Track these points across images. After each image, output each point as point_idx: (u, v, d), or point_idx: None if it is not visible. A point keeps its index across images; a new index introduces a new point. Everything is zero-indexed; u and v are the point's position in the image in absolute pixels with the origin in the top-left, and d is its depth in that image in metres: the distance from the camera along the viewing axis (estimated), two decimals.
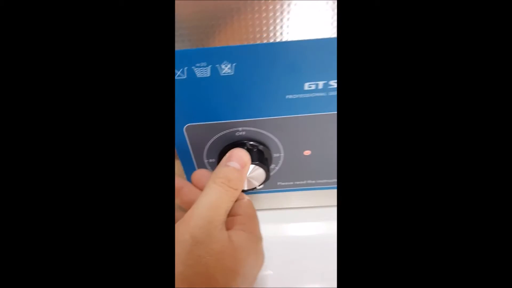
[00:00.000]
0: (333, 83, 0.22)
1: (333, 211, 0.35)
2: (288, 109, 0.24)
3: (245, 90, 0.22)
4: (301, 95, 0.23)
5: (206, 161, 0.28)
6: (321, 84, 0.22)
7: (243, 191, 0.27)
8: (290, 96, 0.23)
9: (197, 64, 0.21)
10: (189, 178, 0.29)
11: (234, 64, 0.21)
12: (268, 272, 0.33)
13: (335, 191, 0.32)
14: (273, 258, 0.32)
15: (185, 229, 0.19)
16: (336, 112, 0.24)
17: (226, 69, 0.21)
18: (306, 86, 0.22)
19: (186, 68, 0.21)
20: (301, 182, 0.31)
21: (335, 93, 0.23)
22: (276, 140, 0.26)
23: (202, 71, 0.21)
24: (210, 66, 0.21)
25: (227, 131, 0.25)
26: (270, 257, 0.32)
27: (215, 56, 0.20)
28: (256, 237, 0.22)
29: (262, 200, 0.34)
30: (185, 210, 0.23)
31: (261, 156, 0.26)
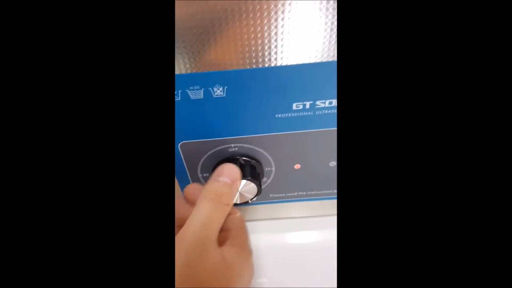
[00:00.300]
0: (320, 103, 0.23)
1: (325, 220, 0.36)
2: (278, 127, 0.25)
3: (237, 110, 0.24)
4: (289, 114, 0.24)
5: (200, 175, 0.29)
6: (308, 104, 0.23)
7: (236, 204, 0.28)
8: (279, 115, 0.24)
9: (191, 87, 0.22)
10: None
11: (225, 87, 0.22)
12: (263, 279, 0.34)
13: (326, 201, 0.34)
14: (267, 265, 0.34)
15: (179, 248, 0.20)
16: (323, 129, 0.25)
17: (218, 91, 0.22)
18: (294, 106, 0.24)
19: (180, 91, 0.22)
20: (293, 194, 0.32)
21: (321, 112, 0.24)
22: (267, 155, 0.28)
23: (196, 94, 0.22)
24: (203, 89, 0.22)
25: (220, 147, 0.27)
26: (264, 264, 0.33)
27: (207, 80, 0.22)
28: (247, 252, 0.23)
29: (256, 211, 0.35)
30: (178, 225, 0.24)
31: (253, 171, 0.27)
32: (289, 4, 0.19)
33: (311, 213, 0.35)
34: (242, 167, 0.27)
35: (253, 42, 0.20)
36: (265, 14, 0.19)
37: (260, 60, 0.21)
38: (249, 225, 0.35)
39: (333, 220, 0.36)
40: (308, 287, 0.33)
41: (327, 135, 0.26)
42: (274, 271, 0.34)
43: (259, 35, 0.20)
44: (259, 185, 0.27)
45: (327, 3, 0.19)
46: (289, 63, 0.21)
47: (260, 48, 0.20)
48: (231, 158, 0.27)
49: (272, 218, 0.36)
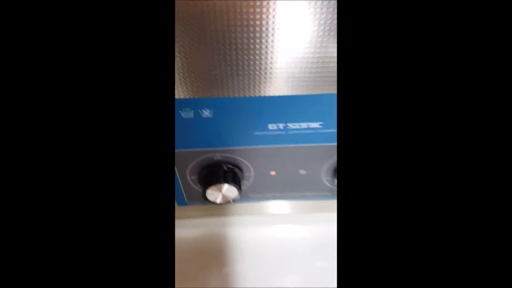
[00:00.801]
0: (291, 125, 0.28)
1: (298, 217, 0.42)
2: (255, 142, 0.30)
3: (222, 128, 0.28)
4: (265, 133, 0.29)
5: (188, 177, 0.34)
6: (281, 125, 0.28)
7: (220, 204, 0.33)
8: (257, 133, 0.29)
9: (183, 109, 0.26)
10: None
11: (212, 110, 0.27)
12: (244, 268, 0.39)
13: (298, 202, 0.39)
14: (247, 254, 0.39)
15: None
16: (293, 145, 0.30)
17: (207, 113, 0.27)
18: (269, 126, 0.28)
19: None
20: (269, 195, 0.37)
21: (293, 132, 0.29)
22: (247, 163, 0.32)
23: (187, 114, 0.27)
24: (193, 110, 0.27)
25: (206, 156, 0.31)
26: (245, 253, 0.39)
27: (197, 104, 0.26)
28: None
29: (238, 208, 0.40)
30: None
31: (234, 176, 0.32)
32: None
33: (285, 211, 0.40)
34: (225, 172, 0.31)
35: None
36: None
37: (242, 92, 0.25)
38: (233, 220, 0.41)
39: (305, 217, 0.41)
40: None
41: (298, 150, 0.31)
42: (253, 258, 0.39)
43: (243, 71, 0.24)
44: (239, 188, 0.32)
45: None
46: (266, 95, 0.26)
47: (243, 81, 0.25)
48: (216, 165, 0.32)
49: (252, 214, 0.41)
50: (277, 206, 0.40)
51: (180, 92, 0.25)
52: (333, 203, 0.38)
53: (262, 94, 0.26)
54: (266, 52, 0.23)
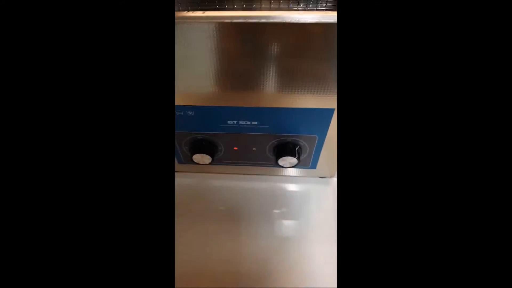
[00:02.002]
0: (241, 122, 0.47)
1: (254, 177, 0.62)
2: (221, 130, 0.49)
3: (200, 121, 0.48)
4: (226, 125, 0.48)
5: (183, 147, 0.54)
6: (235, 121, 0.47)
7: (200, 164, 0.53)
8: (221, 125, 0.48)
9: (177, 111, 0.46)
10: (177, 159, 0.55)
11: (194, 112, 0.46)
12: (222, 207, 0.60)
13: (254, 167, 0.59)
14: (226, 196, 0.60)
15: None
16: (243, 133, 0.49)
17: (191, 113, 0.46)
18: (228, 122, 0.47)
19: None
20: (234, 162, 0.57)
21: (243, 125, 0.48)
22: (218, 141, 0.52)
23: (179, 113, 0.46)
24: (182, 111, 0.46)
25: (193, 136, 0.51)
26: (224, 196, 0.59)
27: (185, 108, 0.46)
28: None
29: (215, 169, 0.61)
30: None
31: (208, 148, 0.52)
32: None
33: (246, 172, 0.61)
34: (202, 146, 0.51)
35: None
36: None
37: (211, 103, 0.45)
38: (213, 176, 0.61)
39: (256, 176, 0.61)
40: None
41: (247, 135, 0.50)
42: (228, 199, 0.60)
43: None
44: (212, 156, 0.52)
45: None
46: (225, 105, 0.45)
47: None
48: (198, 141, 0.52)
49: (224, 173, 0.62)
50: (240, 168, 0.60)
51: (175, 101, 0.45)
52: (269, 169, 0.58)
53: (223, 104, 0.45)
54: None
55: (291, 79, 0.40)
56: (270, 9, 0.38)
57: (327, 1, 0.37)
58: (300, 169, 0.59)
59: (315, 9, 0.37)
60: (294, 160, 0.52)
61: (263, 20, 0.33)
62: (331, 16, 0.32)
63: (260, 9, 0.38)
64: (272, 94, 0.42)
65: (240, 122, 0.48)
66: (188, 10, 0.34)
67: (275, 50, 0.36)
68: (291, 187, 0.61)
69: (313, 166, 0.57)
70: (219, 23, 0.34)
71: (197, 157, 0.52)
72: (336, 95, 0.41)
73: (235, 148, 0.54)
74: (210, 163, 0.54)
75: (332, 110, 0.44)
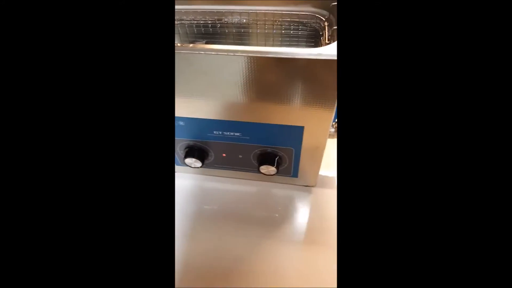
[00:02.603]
0: (225, 132, 0.54)
1: (242, 181, 0.68)
2: (209, 138, 0.56)
3: (190, 130, 0.55)
4: (213, 134, 0.55)
5: (179, 151, 0.62)
6: (220, 132, 0.54)
7: (191, 167, 0.61)
8: (208, 134, 0.55)
9: None
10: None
11: (184, 122, 0.54)
12: (213, 206, 0.67)
13: (242, 172, 0.65)
14: (215, 197, 0.67)
15: None
16: (228, 142, 0.56)
17: (182, 123, 0.54)
18: (214, 132, 0.55)
19: None
20: (224, 166, 0.64)
21: (226, 135, 0.55)
22: (208, 148, 0.59)
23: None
24: (175, 122, 0.54)
25: (185, 142, 0.59)
26: (213, 197, 0.67)
27: (177, 119, 0.53)
28: None
29: (205, 171, 0.68)
30: None
31: (199, 154, 0.59)
32: None
33: (233, 175, 0.68)
34: (193, 152, 0.59)
35: None
36: None
37: (198, 115, 0.52)
38: (203, 178, 0.69)
39: (246, 181, 0.68)
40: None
41: (231, 144, 0.57)
42: (217, 199, 0.68)
43: None
44: (201, 161, 0.59)
45: None
46: (211, 118, 0.52)
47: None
48: (190, 147, 0.59)
49: (214, 175, 0.69)
50: (228, 172, 0.67)
51: None
52: (258, 175, 0.64)
53: (209, 117, 0.52)
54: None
55: (265, 100, 0.46)
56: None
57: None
58: (285, 177, 0.65)
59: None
60: (273, 169, 0.58)
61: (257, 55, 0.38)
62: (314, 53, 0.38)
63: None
64: (249, 110, 0.49)
65: (224, 132, 0.55)
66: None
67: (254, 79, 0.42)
68: (278, 192, 0.67)
69: (295, 175, 0.63)
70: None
71: (188, 161, 0.60)
72: (304, 115, 0.47)
73: (224, 155, 0.61)
74: (201, 167, 0.61)
75: (302, 128, 0.50)
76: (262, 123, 0.51)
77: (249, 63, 0.40)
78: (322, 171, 0.70)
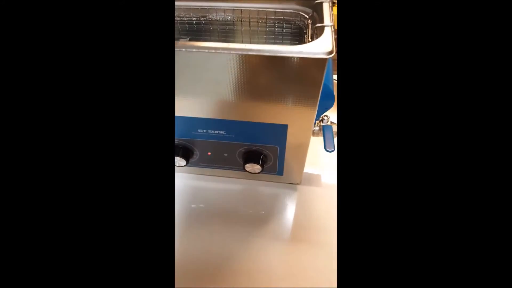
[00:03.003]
0: (210, 131, 0.54)
1: (227, 179, 0.68)
2: (194, 137, 0.56)
3: (176, 128, 0.55)
4: (197, 133, 0.55)
5: None
6: (205, 130, 0.54)
7: (176, 166, 0.60)
8: (193, 133, 0.55)
9: None
10: None
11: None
12: (201, 205, 0.67)
13: (227, 170, 0.65)
14: (203, 196, 0.66)
15: None
16: (212, 140, 0.56)
17: None
18: (199, 130, 0.54)
19: None
20: (209, 165, 0.64)
21: (211, 134, 0.55)
22: (193, 147, 0.59)
23: None
24: None
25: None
26: (201, 196, 0.66)
27: None
28: None
29: (191, 170, 0.68)
30: None
31: (184, 153, 0.59)
32: None
33: (219, 174, 0.68)
34: (180, 149, 0.58)
35: None
36: None
37: (184, 113, 0.52)
38: (188, 176, 0.68)
39: (232, 179, 0.68)
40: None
41: (216, 143, 0.57)
42: (199, 198, 0.67)
43: None
44: (186, 160, 0.59)
45: None
46: (196, 116, 0.52)
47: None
48: (177, 146, 0.59)
49: (200, 173, 0.69)
50: (214, 171, 0.67)
51: None
52: (244, 173, 0.64)
53: (193, 115, 0.52)
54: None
55: (249, 99, 0.46)
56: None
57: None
58: (271, 175, 0.65)
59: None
60: (258, 167, 0.58)
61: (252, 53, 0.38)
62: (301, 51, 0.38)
63: None
64: (233, 109, 0.48)
65: (209, 131, 0.54)
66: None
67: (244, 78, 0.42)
68: (263, 190, 0.67)
69: (280, 173, 0.63)
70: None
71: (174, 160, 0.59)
72: (287, 113, 0.48)
73: (209, 153, 0.61)
74: (186, 165, 0.61)
75: (286, 126, 0.50)
76: (247, 121, 0.51)
77: (232, 61, 0.39)
78: (307, 169, 0.71)
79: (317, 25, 0.41)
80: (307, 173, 0.71)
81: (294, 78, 0.41)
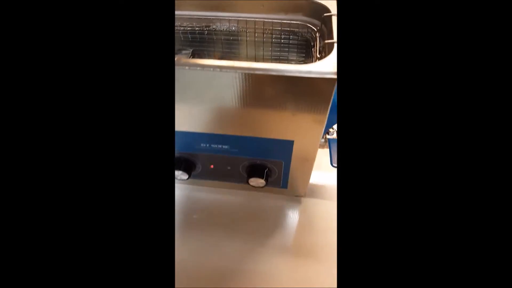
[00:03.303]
0: (213, 145, 0.52)
1: (228, 191, 0.67)
2: (197, 151, 0.54)
3: (176, 143, 0.53)
4: (200, 147, 0.53)
5: None
6: (208, 144, 0.52)
7: (178, 179, 0.59)
8: (196, 147, 0.53)
9: None
10: None
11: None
12: (195, 216, 0.65)
13: (227, 183, 0.64)
14: (207, 206, 0.65)
15: None
16: (216, 154, 0.54)
17: None
18: (202, 144, 0.53)
19: None
20: (212, 177, 0.62)
21: (214, 148, 0.53)
22: (196, 160, 0.57)
23: None
24: None
25: (176, 154, 0.57)
26: (197, 204, 0.65)
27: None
28: None
29: (193, 182, 0.66)
30: None
31: (185, 166, 0.57)
32: None
33: (222, 186, 0.66)
34: (180, 164, 0.57)
35: None
36: None
37: (185, 128, 0.50)
38: (191, 188, 0.67)
39: (234, 191, 0.66)
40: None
41: (220, 157, 0.55)
42: (201, 209, 0.66)
43: None
44: (188, 173, 0.57)
45: None
46: (199, 131, 0.50)
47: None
48: (177, 159, 0.57)
49: (202, 185, 0.67)
50: (216, 183, 0.65)
51: None
52: (246, 186, 0.62)
53: (196, 131, 0.50)
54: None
55: (254, 115, 0.44)
56: None
57: None
58: (275, 188, 0.64)
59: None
60: (262, 182, 0.56)
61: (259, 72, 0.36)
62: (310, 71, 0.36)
63: None
64: (238, 124, 0.47)
65: (212, 145, 0.53)
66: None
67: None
68: (267, 202, 0.66)
69: (284, 186, 0.62)
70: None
71: (175, 173, 0.58)
72: (293, 129, 0.46)
73: (211, 166, 0.59)
74: (188, 178, 0.59)
75: (292, 141, 0.48)
76: (251, 137, 0.49)
77: (238, 79, 0.38)
78: (311, 180, 0.69)
79: (326, 41, 0.40)
80: (311, 184, 0.69)
81: (302, 96, 0.39)
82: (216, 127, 0.48)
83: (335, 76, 0.36)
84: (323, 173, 0.72)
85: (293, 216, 0.64)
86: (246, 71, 0.36)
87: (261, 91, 0.40)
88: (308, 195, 0.67)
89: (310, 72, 0.36)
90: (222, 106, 0.43)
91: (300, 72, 0.36)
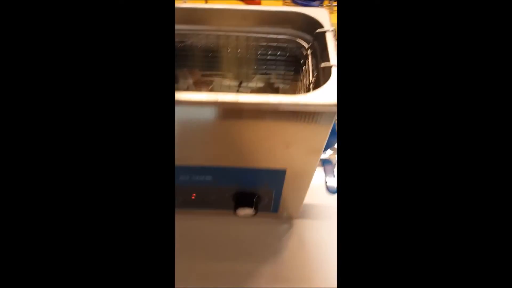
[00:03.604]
0: (196, 177, 0.47)
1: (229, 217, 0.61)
2: (178, 182, 0.49)
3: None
4: (182, 179, 0.47)
5: None
6: (188, 177, 0.46)
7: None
8: (176, 180, 0.47)
9: None
10: None
11: None
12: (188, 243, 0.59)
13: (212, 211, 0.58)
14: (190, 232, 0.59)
15: None
16: (199, 185, 0.49)
17: None
18: (181, 177, 0.47)
19: None
20: (195, 206, 0.57)
21: (197, 179, 0.47)
22: (175, 192, 0.51)
23: None
24: None
25: None
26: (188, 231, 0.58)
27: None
28: None
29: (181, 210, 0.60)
30: None
31: None
32: None
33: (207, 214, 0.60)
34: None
35: None
36: None
37: None
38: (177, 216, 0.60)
39: (232, 216, 0.61)
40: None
41: (203, 188, 0.49)
42: (192, 235, 0.60)
43: None
44: None
45: None
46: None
47: None
48: None
49: (187, 213, 0.61)
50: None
51: None
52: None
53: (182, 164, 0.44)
54: None
55: (242, 147, 0.39)
56: None
57: None
58: (265, 212, 0.59)
59: None
60: (251, 211, 0.51)
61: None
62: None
63: None
64: (221, 155, 0.41)
65: (192, 177, 0.47)
66: None
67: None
68: (257, 226, 0.61)
69: (275, 211, 0.57)
70: None
71: None
72: (286, 158, 0.41)
73: (193, 196, 0.53)
74: None
75: (284, 170, 0.43)
76: (238, 167, 0.44)
77: (222, 113, 0.32)
78: (305, 200, 0.65)
79: (322, 65, 0.34)
80: (304, 203, 0.65)
81: (297, 128, 0.34)
82: (197, 159, 0.43)
83: (335, 109, 0.31)
84: (315, 191, 0.67)
85: (285, 239, 0.59)
86: (232, 107, 0.31)
87: (249, 124, 0.34)
88: (300, 216, 0.62)
89: (306, 105, 0.30)
90: (203, 138, 0.38)
91: (296, 105, 0.30)
